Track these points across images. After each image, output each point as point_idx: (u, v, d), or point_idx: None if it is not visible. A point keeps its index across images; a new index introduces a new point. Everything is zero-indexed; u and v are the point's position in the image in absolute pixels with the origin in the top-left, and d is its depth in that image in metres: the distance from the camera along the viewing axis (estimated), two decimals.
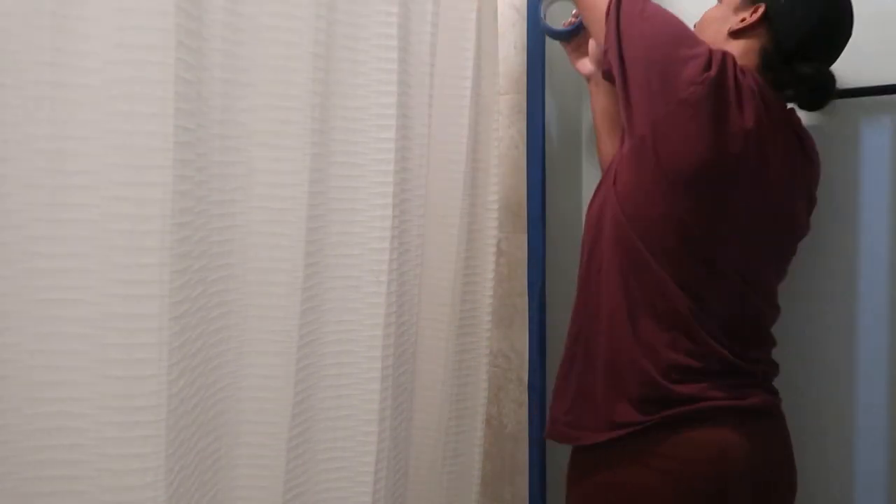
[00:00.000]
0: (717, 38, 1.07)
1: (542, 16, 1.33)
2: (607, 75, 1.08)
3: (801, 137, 1.08)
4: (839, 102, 1.19)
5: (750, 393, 1.01)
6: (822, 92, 1.07)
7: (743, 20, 1.06)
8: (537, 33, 1.36)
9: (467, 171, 1.26)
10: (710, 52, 0.99)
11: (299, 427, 1.03)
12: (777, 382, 1.10)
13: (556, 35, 1.32)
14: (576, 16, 1.28)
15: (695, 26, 1.12)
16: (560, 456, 1.19)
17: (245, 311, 0.98)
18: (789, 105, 1.09)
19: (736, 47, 1.05)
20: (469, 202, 1.29)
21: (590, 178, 1.42)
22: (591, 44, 1.25)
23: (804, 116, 1.12)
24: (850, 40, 1.06)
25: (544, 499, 1.39)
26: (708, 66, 0.97)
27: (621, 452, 1.00)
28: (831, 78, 1.07)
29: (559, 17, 1.34)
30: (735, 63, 1.00)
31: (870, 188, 1.20)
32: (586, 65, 1.28)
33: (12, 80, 0.74)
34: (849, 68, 1.18)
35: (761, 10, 1.04)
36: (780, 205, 1.05)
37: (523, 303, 1.43)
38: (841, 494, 1.23)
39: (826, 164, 1.15)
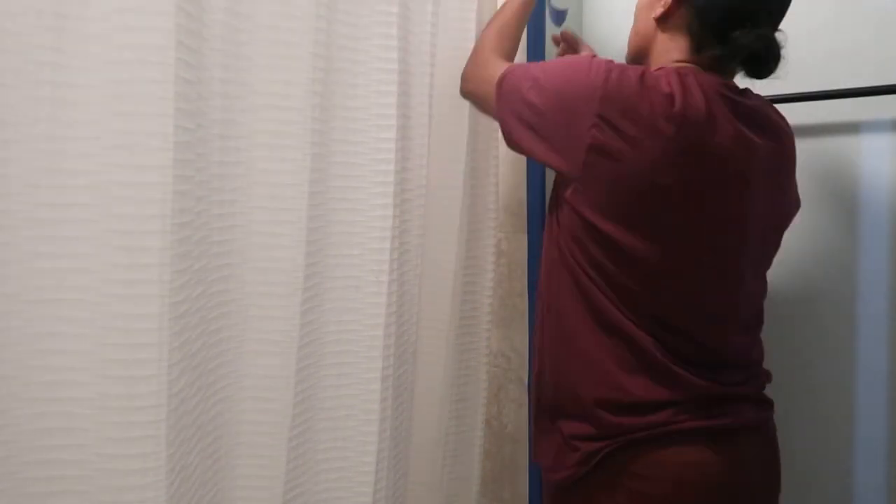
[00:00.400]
0: (647, 27, 1.04)
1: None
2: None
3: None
4: (839, 103, 1.19)
5: (725, 411, 0.96)
6: (766, 57, 0.96)
7: (664, 4, 1.01)
8: (537, 33, 1.36)
9: (467, 171, 1.26)
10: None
11: (299, 427, 1.03)
12: (775, 387, 1.09)
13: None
14: None
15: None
16: None
17: (245, 311, 0.98)
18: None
19: (664, 37, 1.01)
20: (469, 202, 1.29)
21: None
22: None
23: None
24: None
25: None
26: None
27: (588, 483, 0.98)
28: (773, 42, 0.96)
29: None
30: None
31: (870, 188, 1.20)
32: None
33: (12, 80, 0.74)
34: (849, 68, 1.18)
35: None
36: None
37: (523, 303, 1.43)
38: (841, 498, 1.23)
39: (826, 165, 1.15)
